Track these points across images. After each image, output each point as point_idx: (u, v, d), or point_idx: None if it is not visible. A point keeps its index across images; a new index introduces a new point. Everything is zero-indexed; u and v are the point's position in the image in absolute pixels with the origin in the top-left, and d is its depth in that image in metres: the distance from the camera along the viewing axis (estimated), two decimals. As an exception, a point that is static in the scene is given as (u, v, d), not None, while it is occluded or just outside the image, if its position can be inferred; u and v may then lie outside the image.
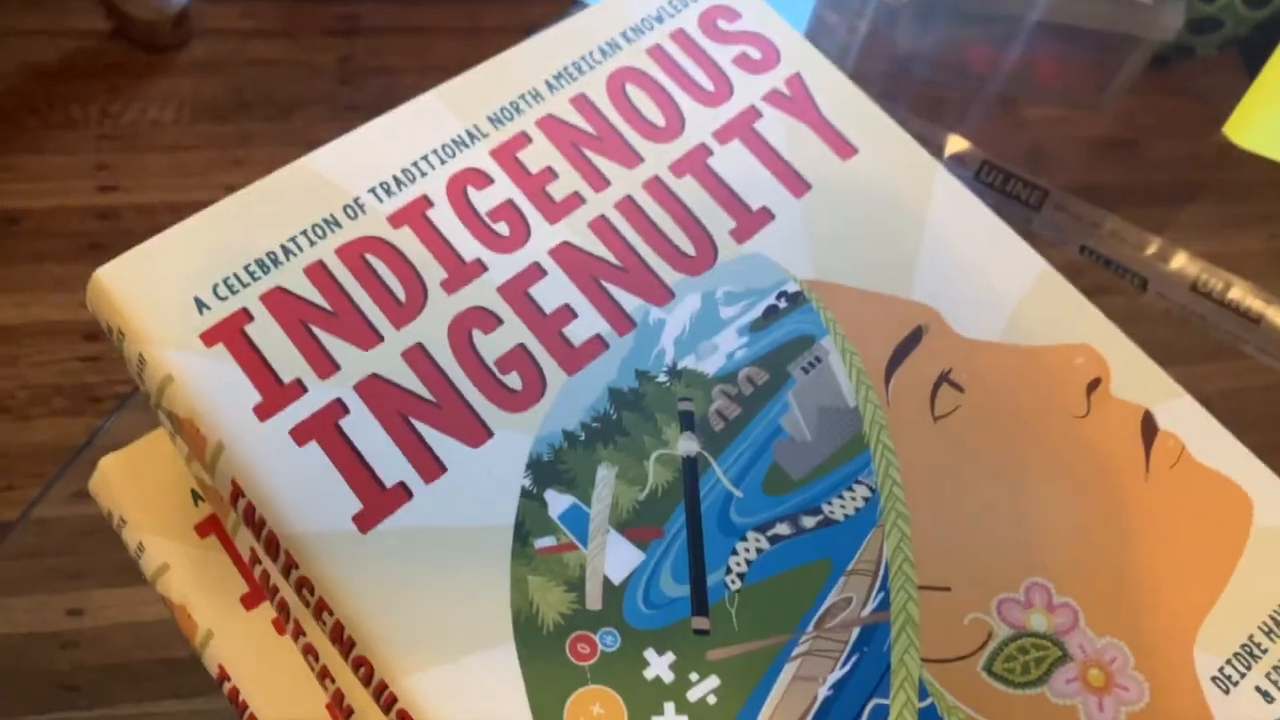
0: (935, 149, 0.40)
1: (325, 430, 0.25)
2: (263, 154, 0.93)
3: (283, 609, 0.26)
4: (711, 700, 0.23)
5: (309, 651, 0.26)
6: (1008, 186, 0.38)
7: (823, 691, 0.24)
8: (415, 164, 0.29)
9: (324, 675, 0.26)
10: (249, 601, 0.28)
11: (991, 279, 0.30)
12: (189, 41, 0.97)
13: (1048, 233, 0.38)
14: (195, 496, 0.29)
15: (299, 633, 0.26)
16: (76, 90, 0.93)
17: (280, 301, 0.26)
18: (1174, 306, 0.38)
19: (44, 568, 0.52)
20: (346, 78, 0.99)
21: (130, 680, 0.57)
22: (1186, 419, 0.28)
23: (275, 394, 0.25)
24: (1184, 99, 0.75)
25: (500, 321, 0.27)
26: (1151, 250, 0.38)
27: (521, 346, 0.27)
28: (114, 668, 0.59)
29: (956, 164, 0.39)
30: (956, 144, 0.39)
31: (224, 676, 0.28)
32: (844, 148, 0.31)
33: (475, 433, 0.26)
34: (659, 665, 0.24)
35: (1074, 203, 0.38)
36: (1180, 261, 0.38)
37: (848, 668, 0.24)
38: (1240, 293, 0.38)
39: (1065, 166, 0.70)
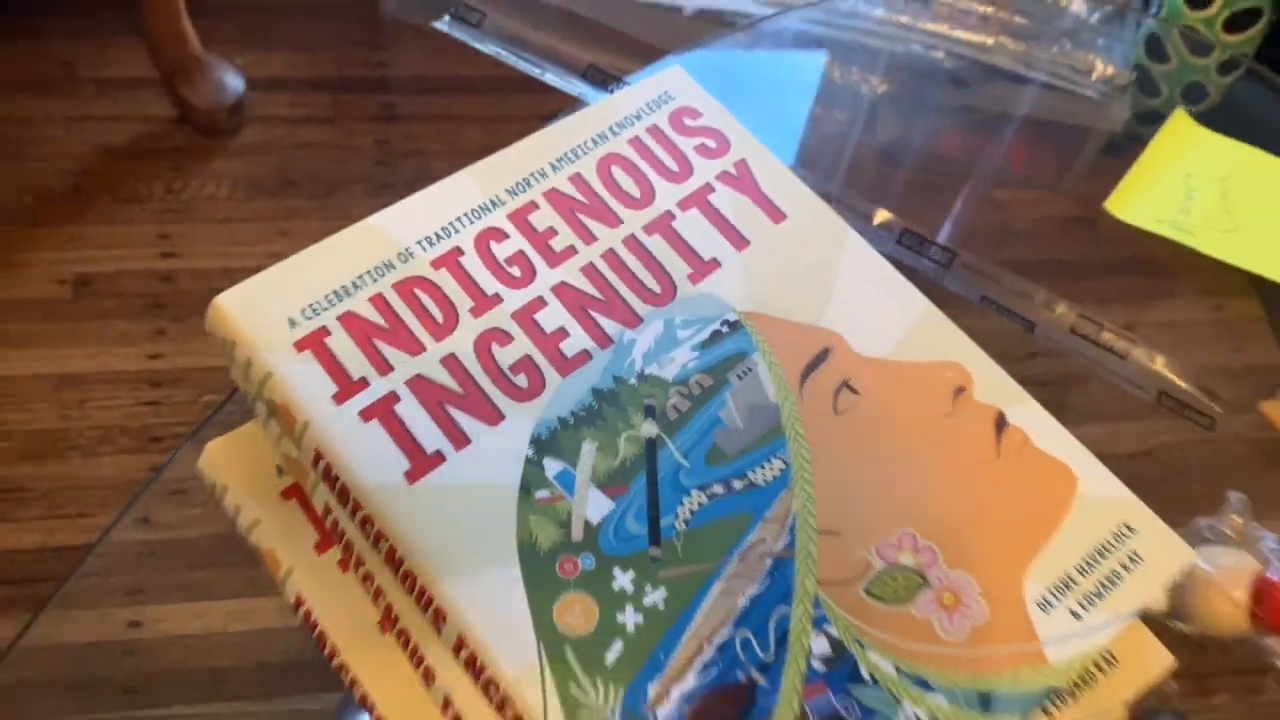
0: (866, 219, 0.49)
1: (384, 412, 0.34)
2: (306, 227, 1.03)
3: (347, 548, 0.35)
4: (660, 606, 0.32)
5: (366, 579, 0.35)
6: (923, 249, 0.47)
7: (742, 602, 0.32)
8: (451, 223, 0.38)
9: (377, 595, 0.34)
10: (320, 548, 0.37)
11: (885, 312, 0.38)
12: (242, 127, 1.08)
13: (956, 286, 0.47)
14: (279, 470, 0.38)
15: (359, 564, 0.35)
16: (143, 169, 1.04)
17: (351, 321, 0.35)
18: (1057, 345, 0.47)
19: (108, 585, 0.59)
20: (383, 159, 1.09)
21: (182, 685, 0.65)
22: (1031, 417, 0.37)
23: (347, 387, 0.34)
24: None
25: (512, 338, 0.36)
26: (1038, 300, 0.47)
27: (528, 356, 0.36)
28: (168, 674, 0.66)
29: (883, 231, 0.48)
30: (882, 216, 0.48)
31: (300, 603, 0.36)
32: (776, 214, 0.40)
33: (492, 416, 0.34)
34: (623, 580, 0.32)
35: (978, 262, 0.47)
36: (1061, 309, 0.47)
37: (762, 587, 0.33)
38: (1111, 335, 0.47)
39: (1032, 241, 0.79)
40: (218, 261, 0.98)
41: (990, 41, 0.94)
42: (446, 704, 0.33)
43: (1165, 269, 0.67)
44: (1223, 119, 0.77)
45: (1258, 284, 0.60)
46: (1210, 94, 0.95)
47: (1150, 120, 0.97)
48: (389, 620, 0.34)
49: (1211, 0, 0.98)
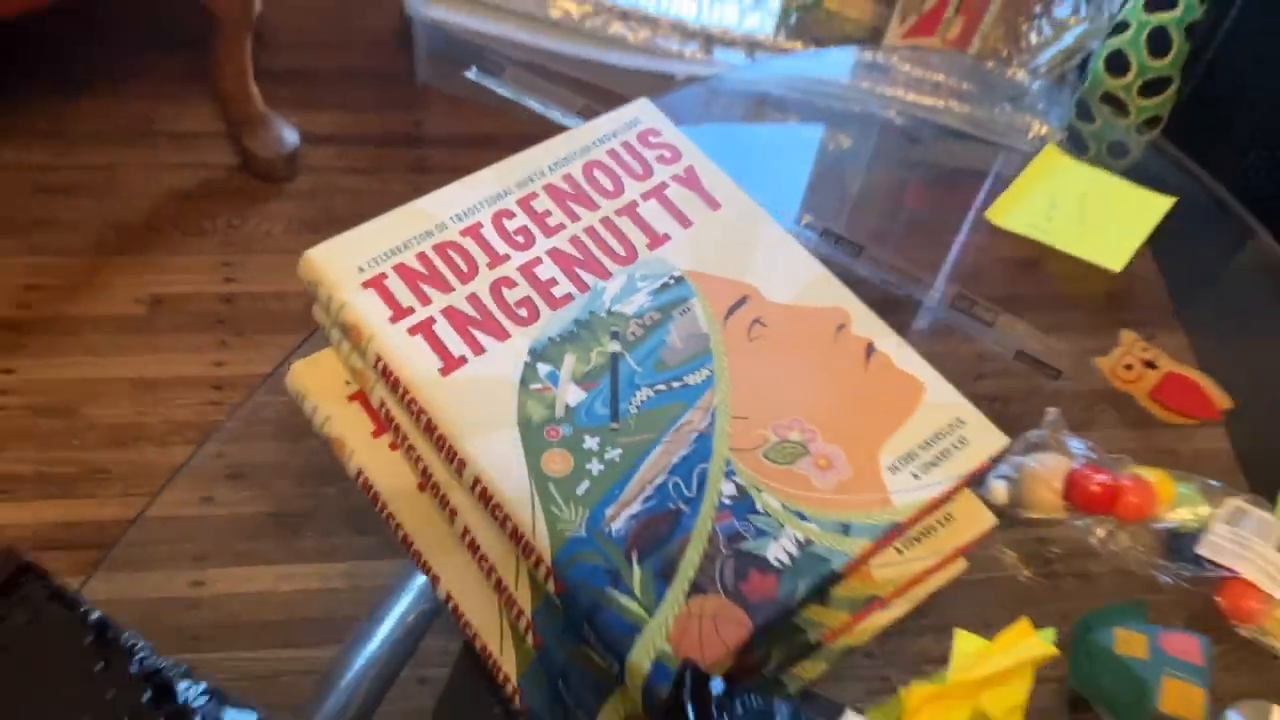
0: (797, 221, 0.63)
1: (425, 330, 0.48)
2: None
3: (395, 431, 0.48)
4: (617, 460, 0.45)
5: (409, 451, 0.48)
6: (838, 241, 0.61)
7: (674, 459, 0.45)
8: (475, 205, 0.52)
9: (416, 461, 0.48)
10: (375, 434, 0.50)
11: (789, 272, 0.52)
12: (296, 175, 1.22)
13: (862, 269, 0.61)
14: (346, 383, 0.52)
15: (404, 442, 0.48)
16: (209, 208, 1.18)
17: (402, 269, 0.49)
18: (942, 318, 0.60)
19: (176, 551, 0.72)
20: (415, 204, 1.23)
21: (238, 634, 0.77)
22: (893, 346, 0.50)
23: (399, 312, 0.48)
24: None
25: (516, 284, 0.50)
26: (928, 284, 0.60)
27: (528, 297, 0.49)
28: (226, 625, 0.78)
29: (808, 227, 0.62)
30: (807, 218, 0.62)
31: (360, 474, 0.50)
32: (714, 204, 0.54)
33: (502, 335, 0.48)
34: (590, 442, 0.45)
35: (880, 256, 0.61)
36: (939, 285, 0.60)
37: (689, 450, 0.46)
38: (981, 309, 0.60)
39: (987, 279, 0.93)
40: (272, 286, 1.12)
41: (941, 104, 1.08)
42: (465, 532, 0.47)
43: (1096, 301, 0.79)
44: (1139, 173, 0.89)
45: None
46: (1131, 150, 1.09)
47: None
48: (425, 479, 0.48)
49: (1128, 69, 1.13)
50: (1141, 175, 0.85)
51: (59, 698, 0.44)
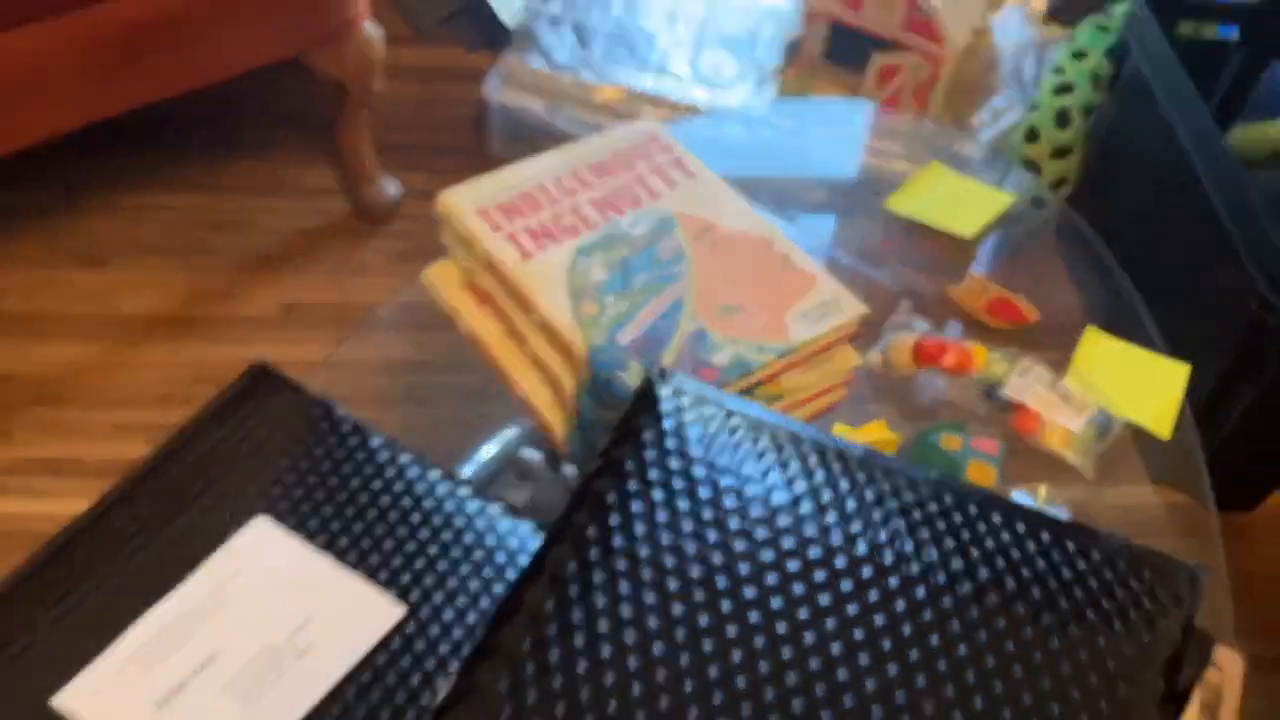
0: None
1: (511, 238, 0.78)
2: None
3: (492, 300, 0.79)
4: (625, 308, 0.75)
5: (500, 312, 0.78)
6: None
7: (660, 311, 0.75)
8: (542, 170, 0.83)
9: (503, 318, 0.78)
10: (478, 306, 0.81)
11: (738, 214, 0.83)
12: (394, 219, 1.55)
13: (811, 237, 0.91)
14: (461, 278, 0.83)
15: (497, 309, 0.79)
16: (327, 243, 1.51)
17: (500, 208, 0.80)
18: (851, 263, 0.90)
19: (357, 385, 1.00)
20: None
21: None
22: (799, 255, 0.80)
23: (497, 228, 0.79)
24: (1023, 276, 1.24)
25: (566, 216, 0.81)
26: (854, 247, 0.91)
27: (574, 224, 0.80)
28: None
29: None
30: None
31: (469, 330, 0.80)
32: (691, 175, 0.85)
33: (560, 239, 0.79)
34: (610, 299, 0.76)
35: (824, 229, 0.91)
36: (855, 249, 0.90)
37: (668, 308, 0.76)
38: (886, 261, 0.90)
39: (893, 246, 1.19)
40: (375, 298, 1.44)
41: (902, 168, 1.39)
42: (535, 357, 0.77)
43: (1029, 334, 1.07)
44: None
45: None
46: (1048, 203, 1.39)
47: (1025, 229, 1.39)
48: (510, 329, 0.78)
49: (1039, 138, 1.44)
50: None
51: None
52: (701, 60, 1.59)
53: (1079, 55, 1.44)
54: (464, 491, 0.70)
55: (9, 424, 1.27)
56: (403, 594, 0.65)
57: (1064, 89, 1.42)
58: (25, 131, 1.18)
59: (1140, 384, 0.84)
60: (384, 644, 0.62)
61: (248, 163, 1.60)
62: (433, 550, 0.67)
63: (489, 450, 0.88)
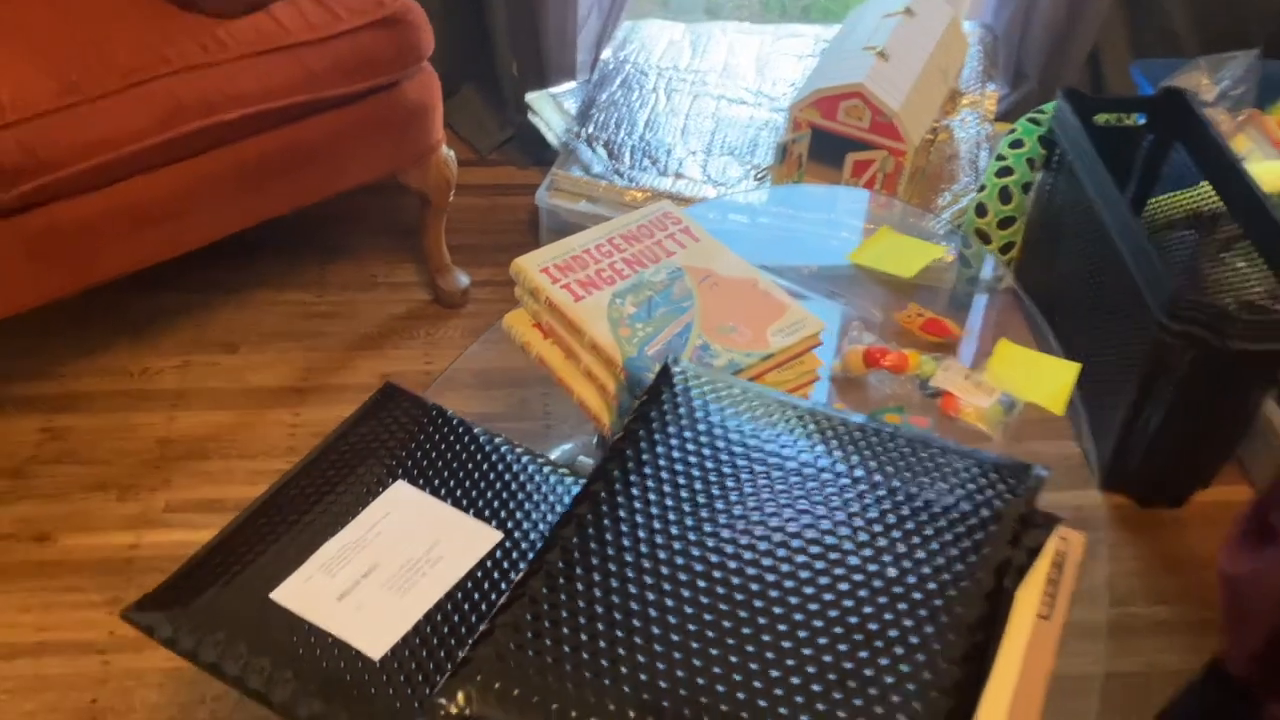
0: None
1: (567, 287, 1.05)
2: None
3: (553, 331, 1.05)
4: (650, 330, 1.02)
5: (560, 339, 1.05)
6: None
7: (676, 332, 1.02)
8: (586, 241, 1.11)
9: (562, 344, 1.05)
10: (543, 337, 1.08)
11: (731, 264, 1.09)
12: (467, 304, 1.83)
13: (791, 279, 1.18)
14: (531, 321, 1.09)
15: (558, 339, 1.05)
16: (414, 325, 1.79)
17: (558, 265, 1.07)
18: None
19: (462, 394, 1.27)
20: (540, 324, 1.84)
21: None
22: (778, 291, 1.07)
23: (556, 280, 1.06)
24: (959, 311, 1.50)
25: (606, 270, 1.08)
26: (826, 284, 1.17)
27: (610, 274, 1.07)
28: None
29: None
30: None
31: (539, 357, 1.07)
32: (695, 239, 1.12)
33: (600, 288, 1.05)
34: (639, 326, 1.02)
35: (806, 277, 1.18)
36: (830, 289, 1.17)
37: (681, 329, 1.02)
38: (853, 298, 1.16)
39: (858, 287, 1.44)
40: (457, 364, 1.71)
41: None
42: (587, 370, 1.03)
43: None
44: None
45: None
46: (998, 267, 1.64)
47: (971, 281, 1.65)
48: (568, 351, 1.05)
49: (988, 213, 1.71)
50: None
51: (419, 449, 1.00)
52: (710, 165, 1.88)
53: (1017, 144, 1.71)
54: (541, 461, 0.96)
55: (169, 473, 1.54)
56: (500, 526, 0.90)
57: (1005, 171, 1.69)
58: (177, 244, 1.48)
59: (1040, 377, 1.08)
60: (487, 556, 0.88)
61: (347, 264, 1.90)
62: (520, 498, 0.93)
63: (555, 454, 1.14)
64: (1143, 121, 1.69)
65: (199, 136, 1.37)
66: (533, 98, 2.00)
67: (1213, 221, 1.66)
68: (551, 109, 1.99)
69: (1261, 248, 1.50)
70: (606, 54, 2.10)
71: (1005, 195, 1.69)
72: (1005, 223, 1.71)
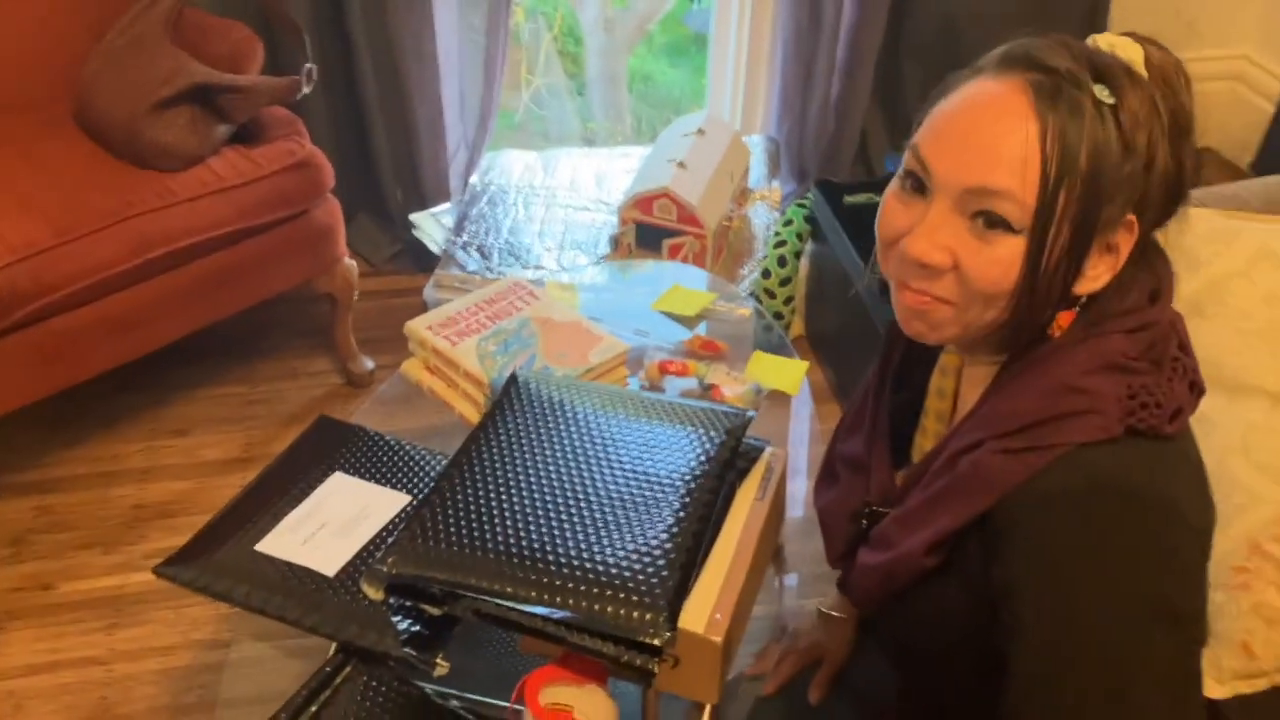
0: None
1: (443, 336, 1.47)
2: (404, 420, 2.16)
3: (438, 370, 1.46)
4: (506, 360, 1.43)
5: (441, 373, 1.46)
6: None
7: (522, 361, 1.44)
8: (455, 313, 1.53)
9: (444, 375, 1.46)
10: (430, 373, 1.48)
11: (566, 313, 1.52)
12: (372, 383, 2.22)
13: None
14: (424, 365, 1.50)
15: (442, 374, 1.46)
16: (332, 402, 2.17)
17: (438, 324, 1.49)
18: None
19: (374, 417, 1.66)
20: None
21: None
22: (597, 328, 1.50)
23: (438, 332, 1.47)
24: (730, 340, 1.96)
25: (471, 328, 1.50)
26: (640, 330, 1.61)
27: (477, 329, 1.49)
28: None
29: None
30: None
31: (429, 388, 1.47)
32: (538, 299, 1.55)
33: (470, 335, 1.48)
34: (499, 356, 1.44)
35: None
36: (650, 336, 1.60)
37: (528, 360, 1.44)
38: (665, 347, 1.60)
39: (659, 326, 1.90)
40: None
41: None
42: (465, 394, 1.44)
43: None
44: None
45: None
46: (785, 316, 2.11)
47: (765, 329, 2.11)
48: (448, 381, 1.46)
49: (770, 275, 2.18)
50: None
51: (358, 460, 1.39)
52: (563, 258, 2.33)
53: (788, 223, 2.20)
54: (430, 451, 1.36)
55: (144, 531, 1.89)
56: (409, 492, 1.30)
57: (780, 243, 2.17)
58: (146, 344, 1.86)
59: (781, 372, 1.53)
60: (401, 511, 1.27)
61: (272, 362, 2.28)
62: (419, 473, 1.33)
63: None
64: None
65: (161, 261, 1.77)
66: (416, 217, 2.44)
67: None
68: (432, 225, 2.42)
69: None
70: (474, 179, 2.55)
71: (782, 262, 2.17)
72: (784, 282, 2.18)
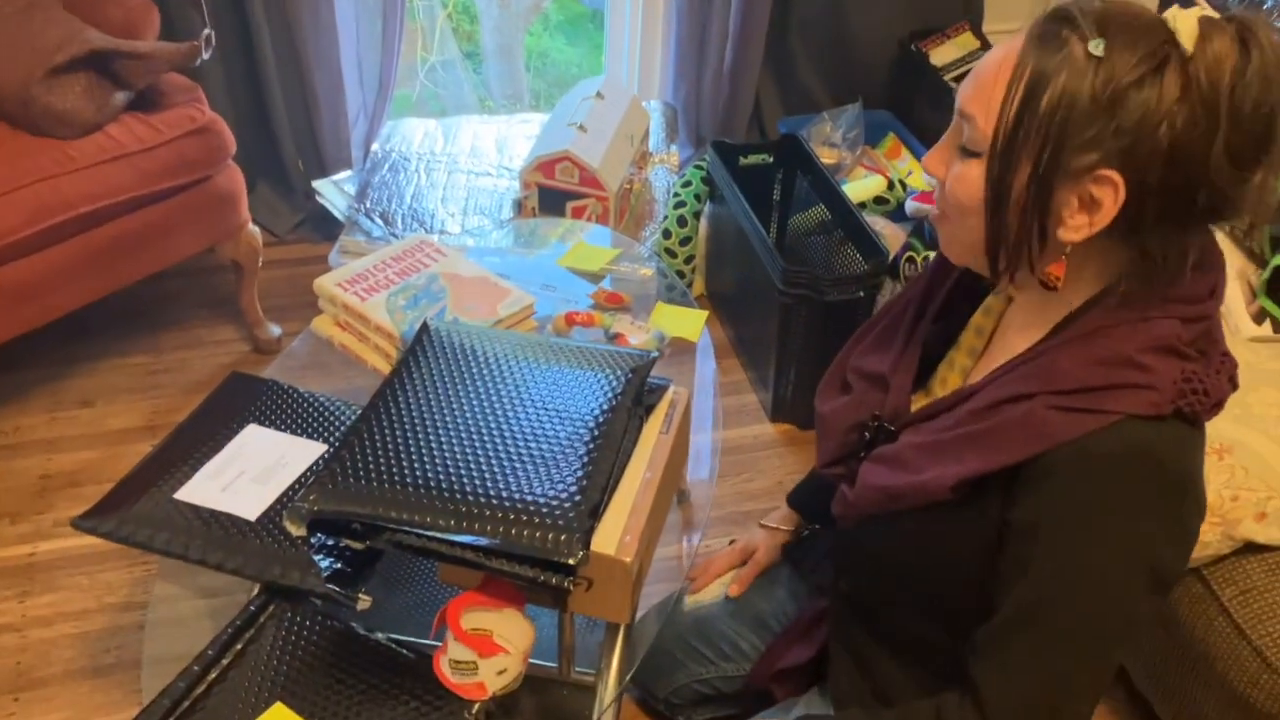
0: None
1: (354, 292, 1.50)
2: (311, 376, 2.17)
3: (349, 325, 1.49)
4: (414, 314, 1.47)
5: (352, 328, 1.49)
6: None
7: (433, 312, 1.47)
8: (365, 267, 1.56)
9: (355, 330, 1.49)
10: (341, 329, 1.51)
11: (473, 269, 1.56)
12: (277, 349, 2.22)
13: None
14: (334, 320, 1.53)
15: (353, 329, 1.49)
16: (238, 369, 2.18)
17: (348, 280, 1.52)
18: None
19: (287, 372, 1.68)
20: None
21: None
22: (507, 284, 1.54)
23: (346, 289, 1.50)
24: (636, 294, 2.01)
25: (382, 281, 1.53)
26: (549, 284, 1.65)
27: (388, 284, 1.52)
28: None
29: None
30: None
31: (340, 343, 1.50)
32: (445, 255, 1.58)
33: (378, 291, 1.50)
34: (407, 309, 1.47)
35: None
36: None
37: (437, 311, 1.48)
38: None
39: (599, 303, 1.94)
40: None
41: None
42: (376, 347, 1.47)
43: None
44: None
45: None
46: (687, 275, 2.16)
47: (669, 288, 2.16)
48: (359, 335, 1.48)
49: (671, 235, 2.24)
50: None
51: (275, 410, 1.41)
52: (466, 223, 2.36)
53: (686, 184, 2.26)
54: (343, 402, 1.39)
55: (53, 500, 1.87)
56: (324, 441, 1.33)
57: (679, 204, 2.24)
58: (49, 313, 1.84)
59: (683, 321, 1.59)
60: (317, 459, 1.30)
61: (176, 332, 2.26)
62: (333, 423, 1.35)
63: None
64: (773, 160, 2.27)
65: (61, 228, 1.75)
66: (319, 184, 2.44)
67: (831, 228, 2.25)
68: (335, 192, 2.42)
69: (854, 241, 2.09)
70: (375, 146, 2.56)
71: (681, 221, 2.23)
72: (684, 241, 2.25)
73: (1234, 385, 0.92)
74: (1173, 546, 0.90)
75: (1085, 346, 0.89)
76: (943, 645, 1.02)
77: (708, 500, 1.50)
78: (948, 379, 1.08)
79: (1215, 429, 1.33)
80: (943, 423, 0.98)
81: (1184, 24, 0.79)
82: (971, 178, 0.88)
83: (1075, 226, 0.86)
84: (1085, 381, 0.87)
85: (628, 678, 1.18)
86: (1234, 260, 1.53)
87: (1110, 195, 0.84)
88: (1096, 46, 0.80)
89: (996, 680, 0.92)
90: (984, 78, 0.85)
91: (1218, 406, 0.90)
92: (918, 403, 1.07)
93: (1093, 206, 0.85)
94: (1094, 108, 0.80)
